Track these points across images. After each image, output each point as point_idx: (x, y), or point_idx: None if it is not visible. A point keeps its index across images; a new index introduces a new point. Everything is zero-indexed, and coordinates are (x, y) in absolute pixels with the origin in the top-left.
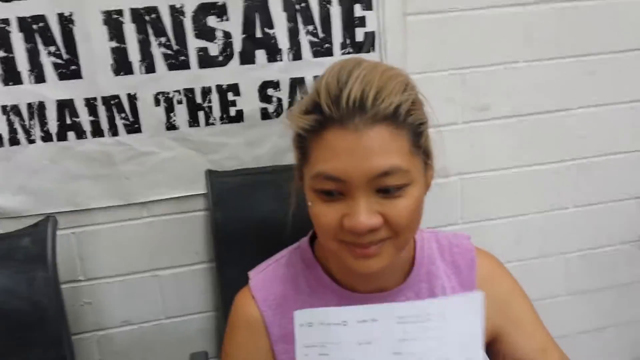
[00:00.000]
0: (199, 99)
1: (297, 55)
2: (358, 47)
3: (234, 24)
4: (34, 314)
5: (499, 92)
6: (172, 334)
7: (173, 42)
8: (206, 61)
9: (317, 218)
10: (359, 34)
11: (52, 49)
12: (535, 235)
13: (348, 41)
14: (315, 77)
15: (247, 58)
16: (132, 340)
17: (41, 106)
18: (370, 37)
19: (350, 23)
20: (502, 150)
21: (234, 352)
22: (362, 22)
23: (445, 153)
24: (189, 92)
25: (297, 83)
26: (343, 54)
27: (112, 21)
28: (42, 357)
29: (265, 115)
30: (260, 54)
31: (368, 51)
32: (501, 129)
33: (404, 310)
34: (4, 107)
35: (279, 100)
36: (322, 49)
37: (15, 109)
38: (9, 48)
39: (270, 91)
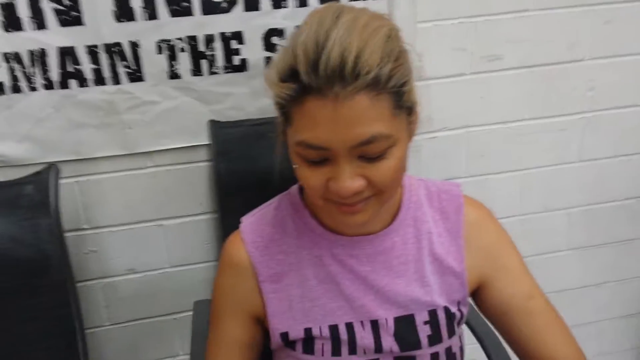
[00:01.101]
0: (202, 47)
1: (302, 2)
2: None
3: None
4: (39, 260)
5: (510, 42)
6: (177, 283)
7: None
8: (209, 8)
9: (303, 180)
10: None
11: None
12: (539, 190)
13: None
14: None
15: (251, 4)
16: (137, 287)
17: (42, 53)
18: None
19: None
20: (510, 103)
21: (222, 291)
22: None
23: (439, 106)
24: (192, 40)
25: None
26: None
27: None
28: (48, 303)
29: (269, 64)
30: (265, 0)
31: None
32: (511, 80)
33: None
34: (5, 55)
35: None
36: None
37: (17, 56)
38: None
39: (275, 39)
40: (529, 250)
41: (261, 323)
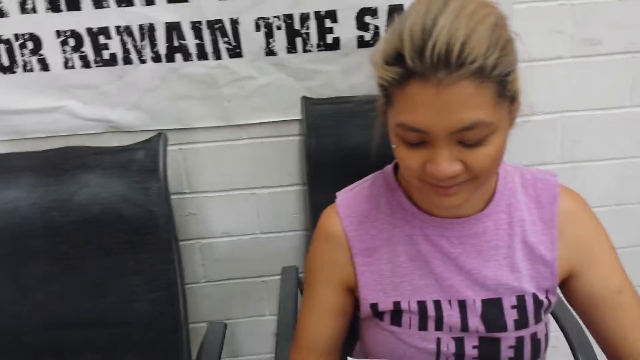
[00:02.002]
0: (297, 25)
1: None
2: None
3: None
4: (147, 220)
5: (611, 26)
6: (266, 248)
7: None
8: None
9: (401, 160)
10: None
11: None
12: (636, 180)
13: None
14: None
15: None
16: (230, 250)
17: (151, 28)
18: None
19: None
20: (610, 89)
21: (316, 262)
22: None
23: (533, 89)
24: (288, 18)
25: (395, 10)
26: None
27: None
28: (153, 259)
29: (361, 43)
30: None
31: None
32: (611, 66)
33: None
34: (118, 28)
35: (376, 27)
36: None
37: (128, 30)
38: None
39: (367, 18)
40: (622, 242)
41: (352, 292)
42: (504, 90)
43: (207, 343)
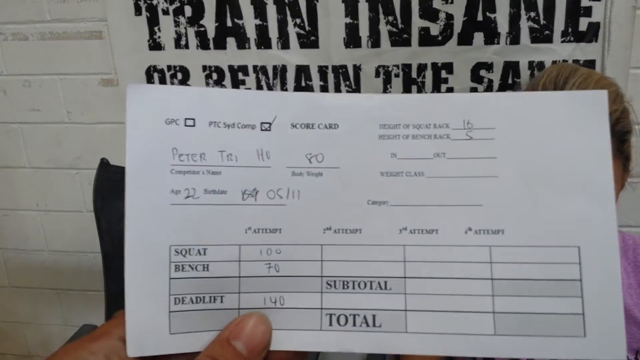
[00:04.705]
0: (414, 74)
1: (514, 40)
2: (580, 37)
3: (457, 7)
4: None
5: None
6: None
7: (399, 20)
8: (426, 40)
9: None
10: (583, 24)
11: (298, 20)
12: None
13: (570, 30)
14: (530, 62)
15: (465, 39)
16: None
17: (283, 69)
18: (594, 27)
19: (575, 12)
20: None
21: None
22: (587, 12)
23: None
24: (406, 67)
25: (511, 67)
26: (563, 42)
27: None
28: None
29: None
30: (478, 36)
31: (590, 41)
32: None
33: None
34: (255, 67)
35: (490, 81)
36: (541, 35)
37: (263, 69)
38: (264, 17)
39: (482, 72)
40: None
41: None
42: (622, 146)
43: None
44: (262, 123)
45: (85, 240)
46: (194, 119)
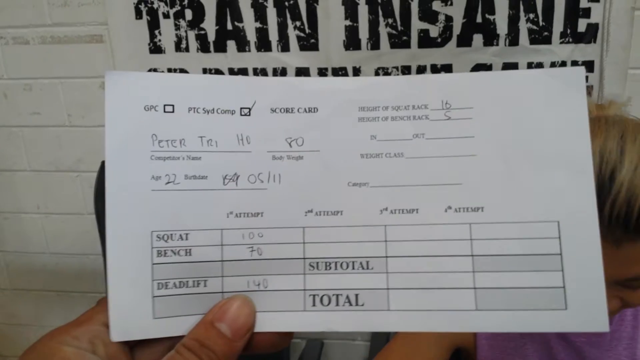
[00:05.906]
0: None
1: (513, 41)
2: (578, 38)
3: (456, 9)
4: None
5: None
6: None
7: (399, 23)
8: (425, 42)
9: None
10: (581, 25)
11: (298, 23)
12: None
13: (569, 31)
14: (529, 63)
15: (464, 41)
16: None
17: (283, 71)
18: (592, 28)
19: (574, 13)
20: None
21: None
22: (586, 13)
23: None
24: (406, 69)
25: (510, 68)
26: (562, 43)
27: (349, 2)
28: None
29: None
30: (477, 38)
31: (589, 42)
32: None
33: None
34: (255, 69)
35: None
36: (540, 36)
37: (264, 72)
38: (264, 20)
39: None
40: None
41: (461, 352)
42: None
43: (304, 358)
44: (241, 108)
45: (87, 242)
46: (173, 105)
